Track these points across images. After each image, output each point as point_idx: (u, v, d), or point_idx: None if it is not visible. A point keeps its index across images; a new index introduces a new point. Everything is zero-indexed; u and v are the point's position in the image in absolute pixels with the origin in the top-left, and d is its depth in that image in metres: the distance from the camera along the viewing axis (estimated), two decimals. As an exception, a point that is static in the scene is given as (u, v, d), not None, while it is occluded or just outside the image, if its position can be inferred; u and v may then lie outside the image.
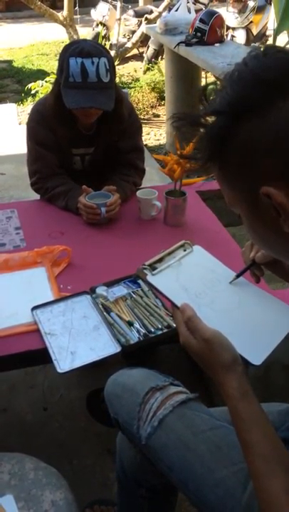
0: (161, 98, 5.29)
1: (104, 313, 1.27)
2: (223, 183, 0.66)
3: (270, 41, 6.16)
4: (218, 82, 0.63)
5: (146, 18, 5.83)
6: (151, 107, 5.29)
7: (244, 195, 0.64)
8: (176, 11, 3.83)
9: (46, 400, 1.84)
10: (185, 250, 0.92)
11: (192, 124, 0.63)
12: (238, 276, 0.90)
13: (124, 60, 6.90)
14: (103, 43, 5.75)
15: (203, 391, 1.68)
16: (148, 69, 6.49)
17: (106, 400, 1.04)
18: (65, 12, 5.41)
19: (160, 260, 0.89)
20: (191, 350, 0.76)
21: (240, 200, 0.65)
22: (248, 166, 0.60)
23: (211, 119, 0.62)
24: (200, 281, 0.88)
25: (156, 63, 6.44)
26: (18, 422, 1.76)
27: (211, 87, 0.64)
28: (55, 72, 1.70)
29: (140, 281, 1.37)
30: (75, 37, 5.36)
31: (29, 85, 5.14)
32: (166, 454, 0.90)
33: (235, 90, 0.59)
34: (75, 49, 1.54)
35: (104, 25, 7.00)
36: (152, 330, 1.22)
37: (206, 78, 4.26)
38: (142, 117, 5.00)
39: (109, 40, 6.51)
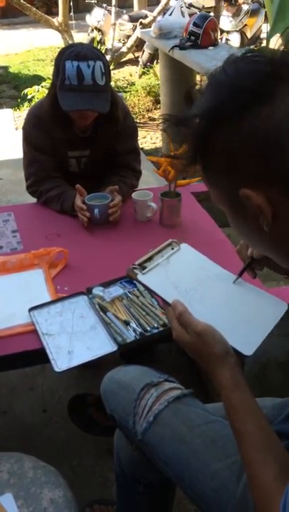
0: (156, 102, 5.31)
1: (101, 313, 1.29)
2: (207, 183, 0.68)
3: (264, 44, 6.20)
4: (202, 83, 0.65)
5: (140, 23, 5.88)
6: (147, 110, 5.31)
7: (226, 195, 0.66)
8: (170, 15, 3.85)
9: (45, 402, 1.84)
10: (173, 249, 0.95)
11: (176, 125, 0.65)
12: (239, 275, 0.91)
13: (120, 65, 6.93)
14: (99, 48, 5.78)
15: (201, 389, 1.69)
16: (143, 73, 6.52)
17: (102, 397, 1.05)
18: (60, 18, 5.46)
19: (149, 259, 0.91)
20: (184, 344, 0.78)
21: (224, 199, 0.67)
22: (227, 170, 0.62)
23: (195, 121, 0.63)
24: (189, 278, 0.90)
25: (151, 67, 6.47)
26: (18, 424, 1.77)
27: (197, 87, 0.65)
28: (51, 77, 1.72)
29: (136, 281, 1.39)
30: (70, 42, 5.39)
31: (25, 91, 5.17)
32: (162, 449, 0.92)
33: (212, 97, 0.61)
34: (71, 52, 1.56)
35: (99, 30, 7.03)
36: (148, 329, 1.23)
37: (201, 81, 4.28)
38: (138, 121, 5.02)
39: (104, 45, 6.55)
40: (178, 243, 0.96)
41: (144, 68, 6.58)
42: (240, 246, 0.94)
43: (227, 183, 0.64)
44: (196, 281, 0.89)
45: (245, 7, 6.56)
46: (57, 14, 5.62)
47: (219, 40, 3.75)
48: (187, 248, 0.96)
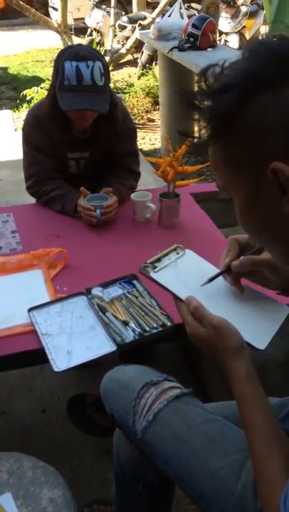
0: (155, 103, 5.32)
1: (100, 313, 1.29)
2: (223, 163, 0.65)
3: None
4: (218, 65, 0.63)
5: (140, 24, 5.88)
6: (146, 111, 5.32)
7: (246, 173, 0.63)
8: (169, 16, 3.86)
9: (44, 402, 1.85)
10: (178, 253, 0.97)
11: (190, 103, 0.62)
12: (210, 280, 0.90)
13: (119, 66, 6.93)
14: (98, 49, 5.80)
15: (200, 389, 1.70)
16: (142, 74, 6.52)
17: (102, 396, 1.05)
18: (59, 19, 5.45)
19: (158, 260, 0.94)
20: (199, 338, 0.79)
21: (240, 180, 0.64)
22: (257, 142, 0.59)
23: (207, 102, 0.61)
24: (197, 280, 0.91)
25: (150, 69, 6.47)
26: (17, 424, 1.77)
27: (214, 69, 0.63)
28: (50, 78, 1.73)
29: (135, 282, 1.40)
30: (69, 43, 5.39)
31: (24, 92, 5.17)
32: (161, 448, 0.92)
33: (251, 63, 0.59)
34: (70, 53, 1.57)
35: (98, 31, 7.04)
36: (147, 329, 1.24)
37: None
38: (137, 122, 5.02)
39: (103, 46, 6.55)
40: (182, 248, 0.98)
41: (143, 69, 6.58)
42: (225, 251, 0.92)
43: (252, 158, 0.61)
44: (203, 283, 0.91)
45: (243, 9, 6.56)
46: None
47: (218, 42, 3.76)
48: (191, 254, 0.98)
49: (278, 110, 0.57)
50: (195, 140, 0.66)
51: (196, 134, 0.65)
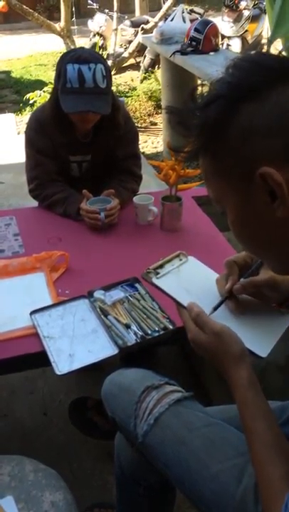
0: (158, 106, 5.35)
1: (102, 316, 1.29)
2: (213, 175, 0.67)
3: (264, 49, 6.21)
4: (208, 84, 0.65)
5: (142, 28, 5.92)
6: (149, 115, 5.34)
7: (236, 182, 0.64)
8: (172, 20, 3.88)
9: (46, 405, 1.85)
10: (181, 260, 0.98)
11: (178, 120, 0.65)
12: (215, 309, 0.88)
13: (121, 70, 6.96)
14: (100, 53, 5.82)
15: (200, 392, 1.70)
16: (145, 78, 6.55)
17: (103, 400, 1.05)
18: (62, 23, 5.49)
19: (161, 266, 0.94)
20: (200, 344, 0.79)
21: (230, 189, 0.65)
22: (245, 150, 0.61)
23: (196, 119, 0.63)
24: (199, 287, 0.92)
25: (152, 72, 6.50)
26: (18, 427, 1.77)
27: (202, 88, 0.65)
28: (53, 82, 1.74)
29: (137, 285, 1.40)
30: (72, 47, 5.42)
31: (27, 95, 5.19)
32: (162, 451, 0.92)
33: (235, 75, 0.61)
34: (72, 56, 1.58)
35: (101, 35, 7.07)
36: (149, 332, 1.24)
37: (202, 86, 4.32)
38: (140, 126, 5.04)
39: (106, 50, 6.58)
40: (185, 255, 0.99)
41: (145, 73, 6.61)
42: (220, 277, 0.91)
43: (242, 166, 0.62)
44: (205, 290, 0.91)
45: (246, 13, 6.59)
46: (58, 19, 5.66)
47: (220, 46, 3.78)
48: (194, 261, 0.99)
49: (265, 117, 0.59)
50: (185, 154, 0.68)
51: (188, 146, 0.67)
